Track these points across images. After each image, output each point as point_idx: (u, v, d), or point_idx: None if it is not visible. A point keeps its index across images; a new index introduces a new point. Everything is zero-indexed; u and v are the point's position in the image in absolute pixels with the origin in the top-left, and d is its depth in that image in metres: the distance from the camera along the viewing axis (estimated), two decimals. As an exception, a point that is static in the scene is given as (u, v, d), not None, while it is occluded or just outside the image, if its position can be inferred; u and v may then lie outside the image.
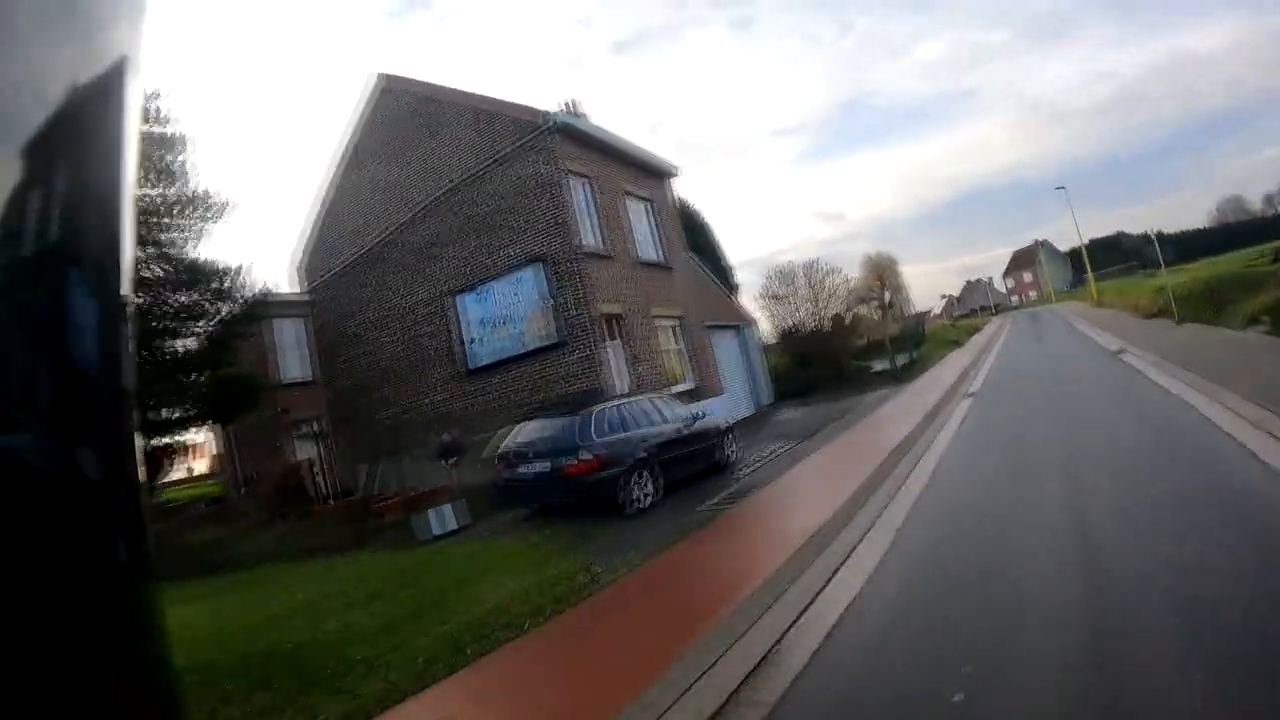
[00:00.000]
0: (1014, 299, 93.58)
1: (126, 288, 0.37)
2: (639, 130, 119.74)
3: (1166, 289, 18.95)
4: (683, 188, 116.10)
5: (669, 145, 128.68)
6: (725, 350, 18.92)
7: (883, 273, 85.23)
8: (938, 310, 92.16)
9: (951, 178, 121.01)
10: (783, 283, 35.43)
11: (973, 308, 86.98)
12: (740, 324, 21.11)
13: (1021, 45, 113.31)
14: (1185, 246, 48.85)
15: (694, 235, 24.47)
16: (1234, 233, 64.42)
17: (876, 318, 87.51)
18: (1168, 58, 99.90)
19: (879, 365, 25.87)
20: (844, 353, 26.82)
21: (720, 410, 13.53)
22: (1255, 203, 75.04)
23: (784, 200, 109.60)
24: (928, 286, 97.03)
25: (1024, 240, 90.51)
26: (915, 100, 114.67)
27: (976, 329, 46.00)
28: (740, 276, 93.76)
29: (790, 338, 30.30)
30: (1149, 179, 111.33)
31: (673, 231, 17.29)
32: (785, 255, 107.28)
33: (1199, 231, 70.45)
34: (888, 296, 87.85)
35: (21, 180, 0.30)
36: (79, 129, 0.34)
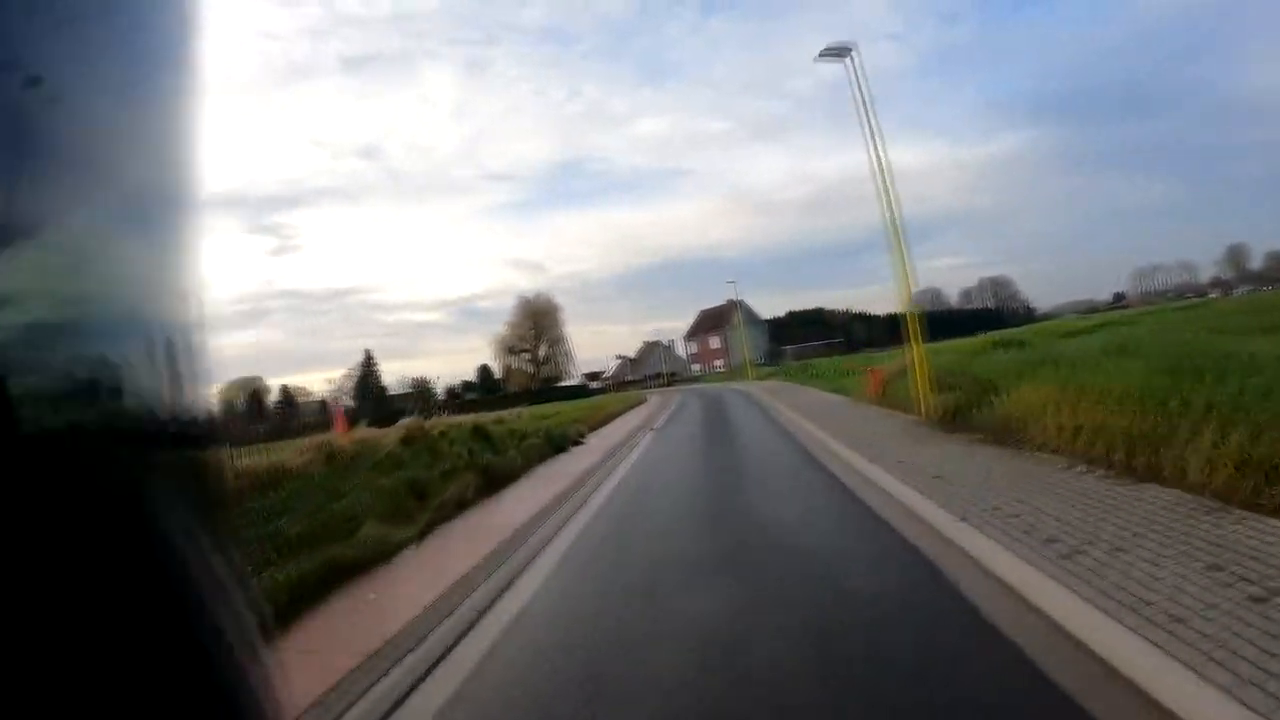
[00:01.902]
0: (696, 367, 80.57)
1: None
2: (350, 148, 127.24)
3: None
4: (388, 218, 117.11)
5: (382, 171, 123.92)
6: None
7: (539, 319, 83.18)
8: (609, 372, 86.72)
9: (658, 247, 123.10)
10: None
11: (647, 374, 79.14)
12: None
13: (740, 136, 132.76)
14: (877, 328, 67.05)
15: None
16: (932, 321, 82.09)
17: (528, 373, 79.60)
18: (862, 169, 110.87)
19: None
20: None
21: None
22: (952, 297, 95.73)
23: (485, 246, 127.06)
24: (618, 346, 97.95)
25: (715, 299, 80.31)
26: (631, 170, 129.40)
27: (637, 401, 36.32)
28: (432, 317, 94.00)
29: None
30: (844, 272, 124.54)
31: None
32: (481, 301, 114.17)
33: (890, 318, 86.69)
34: (543, 350, 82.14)
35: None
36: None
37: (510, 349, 78.32)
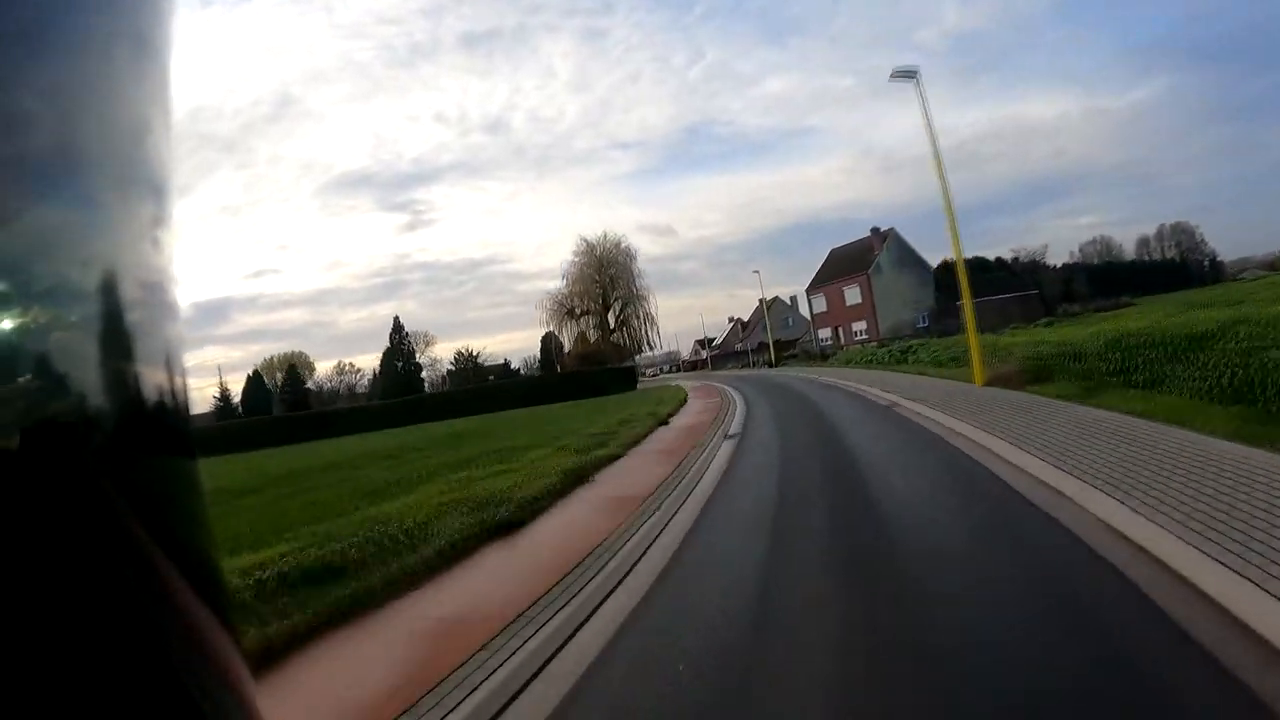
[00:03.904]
0: (824, 335, 52.94)
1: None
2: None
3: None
4: (516, 192, 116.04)
5: (508, 145, 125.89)
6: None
7: (607, 270, 60.12)
8: (719, 339, 75.86)
9: (788, 209, 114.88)
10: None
11: (751, 344, 61.40)
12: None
13: (864, 93, 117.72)
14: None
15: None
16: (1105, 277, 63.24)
17: (592, 340, 62.93)
18: (1002, 123, 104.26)
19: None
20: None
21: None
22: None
23: (614, 213, 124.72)
24: (748, 310, 78.86)
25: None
26: (757, 131, 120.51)
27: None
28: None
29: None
30: (971, 234, 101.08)
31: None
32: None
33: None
34: (615, 312, 62.86)
35: None
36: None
37: (570, 311, 58.64)
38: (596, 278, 57.35)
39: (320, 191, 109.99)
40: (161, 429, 0.35)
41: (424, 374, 65.43)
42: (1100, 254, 76.40)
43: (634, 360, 69.72)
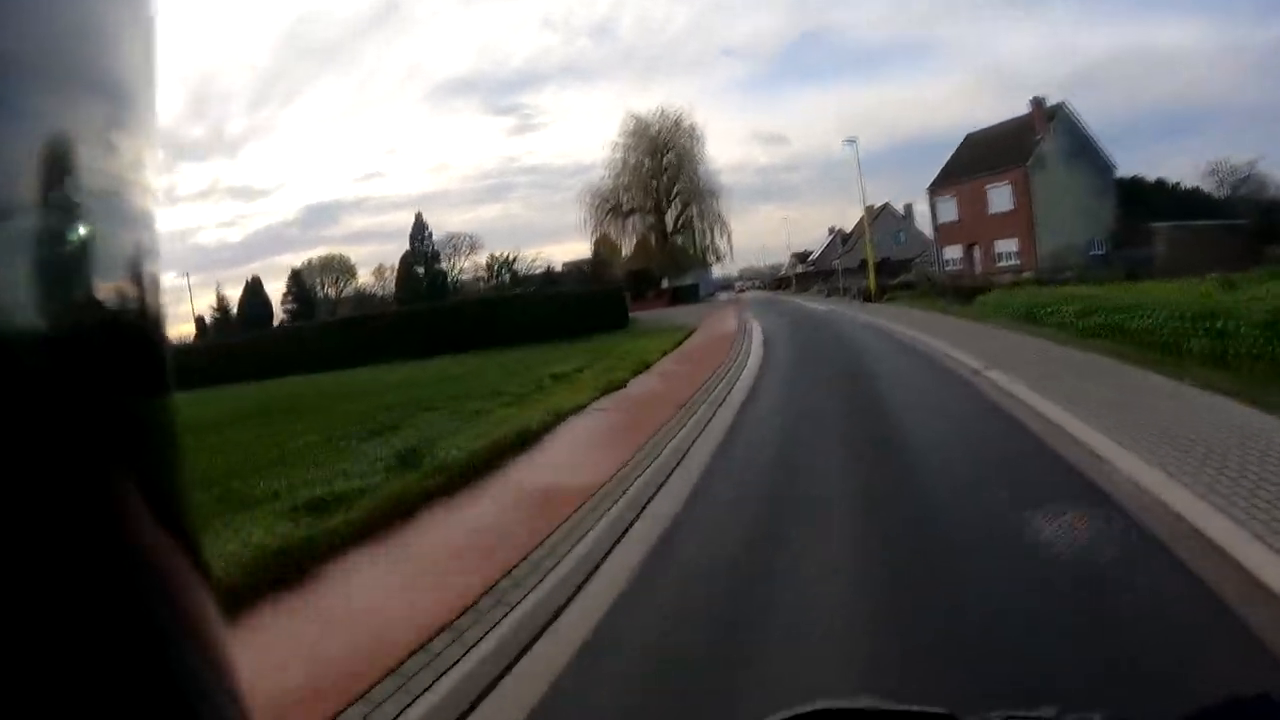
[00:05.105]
0: (952, 254, 37.26)
1: None
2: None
3: None
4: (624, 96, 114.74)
5: (615, 49, 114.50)
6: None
7: (663, 154, 47.03)
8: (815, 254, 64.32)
9: (907, 124, 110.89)
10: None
11: (834, 264, 47.62)
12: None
13: (987, 9, 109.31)
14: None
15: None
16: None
17: (651, 245, 50.71)
18: (1128, 48, 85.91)
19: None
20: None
21: None
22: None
23: (724, 122, 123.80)
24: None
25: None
26: (875, 43, 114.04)
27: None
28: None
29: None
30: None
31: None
32: (722, 177, 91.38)
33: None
34: (675, 211, 50.08)
35: None
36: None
37: (615, 209, 46.92)
38: (649, 164, 44.84)
39: (427, 96, 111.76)
40: (119, 353, 0.30)
41: (454, 282, 56.87)
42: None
43: (706, 274, 57.73)
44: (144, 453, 0.31)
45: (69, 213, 0.29)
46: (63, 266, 0.29)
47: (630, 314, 35.26)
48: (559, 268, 55.66)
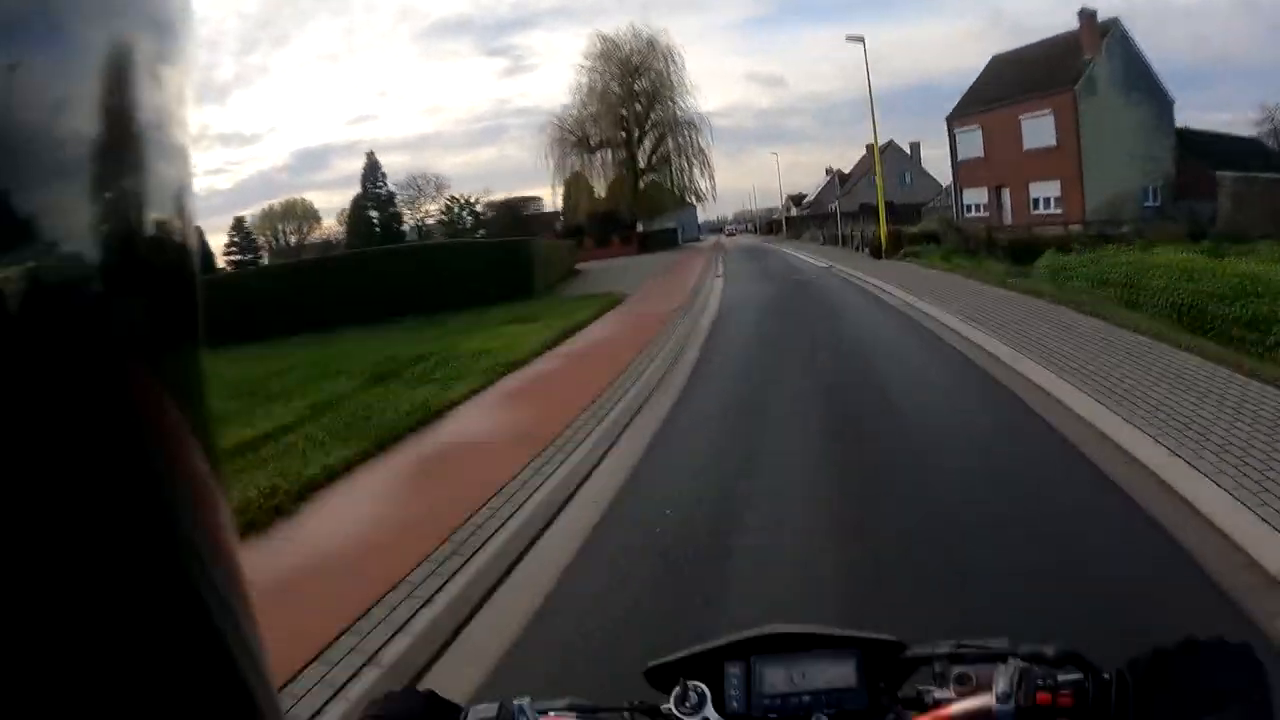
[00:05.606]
0: (976, 203, 31.22)
1: None
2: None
3: None
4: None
5: None
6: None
7: (634, 79, 41.11)
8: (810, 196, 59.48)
9: (910, 70, 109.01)
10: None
11: (830, 208, 40.22)
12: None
13: None
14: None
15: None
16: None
17: (629, 189, 43.58)
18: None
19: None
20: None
21: None
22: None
23: (721, 63, 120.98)
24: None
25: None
26: None
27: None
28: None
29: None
30: None
31: None
32: (718, 120, 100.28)
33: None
34: (649, 144, 43.40)
35: None
36: None
37: (580, 141, 40.37)
38: (618, 91, 38.19)
39: (419, 37, 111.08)
40: (154, 286, 0.30)
41: (419, 225, 51.36)
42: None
43: (689, 216, 51.73)
44: (182, 377, 0.30)
45: (125, 147, 0.29)
46: (120, 201, 0.29)
47: (581, 265, 29.45)
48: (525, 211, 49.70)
